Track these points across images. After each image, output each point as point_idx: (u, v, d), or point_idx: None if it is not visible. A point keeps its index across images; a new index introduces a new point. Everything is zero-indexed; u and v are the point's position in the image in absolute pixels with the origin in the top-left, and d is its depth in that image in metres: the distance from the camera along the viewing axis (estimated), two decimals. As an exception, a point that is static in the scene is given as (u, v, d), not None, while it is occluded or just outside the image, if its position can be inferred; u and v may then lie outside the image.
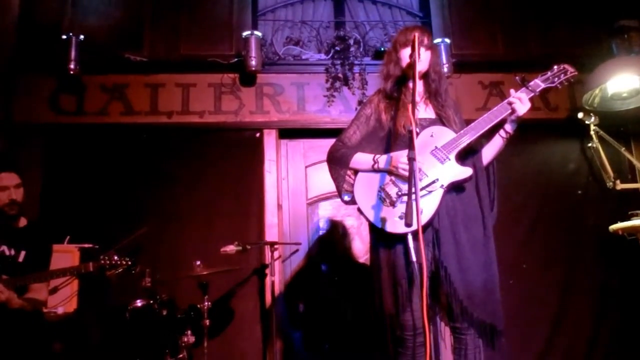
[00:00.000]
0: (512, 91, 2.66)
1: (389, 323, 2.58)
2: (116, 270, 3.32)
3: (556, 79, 2.70)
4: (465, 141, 2.60)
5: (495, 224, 2.72)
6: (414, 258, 2.40)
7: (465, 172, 2.58)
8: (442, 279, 2.51)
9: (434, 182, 2.53)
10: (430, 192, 2.51)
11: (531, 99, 2.65)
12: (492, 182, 2.77)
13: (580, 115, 4.56)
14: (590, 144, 4.64)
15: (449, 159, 2.58)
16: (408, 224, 2.20)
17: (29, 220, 3.51)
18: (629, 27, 4.92)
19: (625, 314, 4.64)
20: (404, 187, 2.54)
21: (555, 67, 2.72)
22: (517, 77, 2.72)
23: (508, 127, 2.69)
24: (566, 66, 2.72)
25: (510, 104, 2.62)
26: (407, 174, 2.49)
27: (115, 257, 3.29)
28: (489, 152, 2.74)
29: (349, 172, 2.76)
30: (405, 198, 2.49)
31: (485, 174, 2.74)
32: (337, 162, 2.79)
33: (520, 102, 2.61)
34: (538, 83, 2.69)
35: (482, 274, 2.53)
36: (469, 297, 2.48)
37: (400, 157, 2.54)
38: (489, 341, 2.52)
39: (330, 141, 4.49)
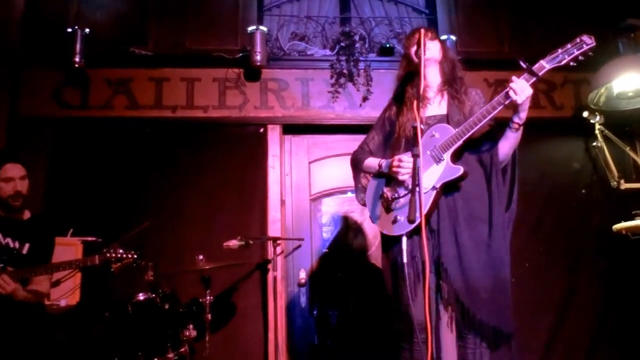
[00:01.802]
0: (513, 78, 2.49)
1: (390, 318, 2.60)
2: (121, 264, 3.33)
3: (567, 55, 2.44)
4: (460, 139, 2.53)
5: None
6: (404, 260, 2.43)
7: (456, 171, 2.54)
8: (443, 281, 2.50)
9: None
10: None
11: (533, 84, 2.47)
12: (511, 178, 2.67)
13: (585, 114, 4.55)
14: (595, 143, 4.64)
15: (443, 159, 2.56)
16: (411, 221, 2.21)
17: (32, 213, 3.52)
18: (635, 26, 4.90)
19: (628, 313, 4.62)
20: (400, 191, 2.60)
21: (569, 43, 2.46)
22: (520, 61, 2.51)
23: (515, 117, 2.55)
24: (583, 37, 2.45)
25: (508, 92, 2.48)
26: (401, 177, 2.56)
27: (120, 251, 3.30)
28: (504, 147, 2.62)
29: (366, 176, 2.86)
30: (401, 201, 2.57)
31: (502, 170, 2.64)
32: (355, 167, 2.91)
33: (519, 89, 2.43)
34: (542, 65, 2.47)
35: (486, 274, 2.48)
36: (471, 298, 2.45)
37: (395, 161, 2.57)
38: (494, 345, 2.47)
39: (334, 137, 4.52)
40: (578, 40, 2.46)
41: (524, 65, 2.51)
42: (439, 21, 5.20)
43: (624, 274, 4.67)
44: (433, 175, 2.54)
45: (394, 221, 2.54)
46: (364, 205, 2.82)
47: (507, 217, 2.62)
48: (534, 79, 2.47)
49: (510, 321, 2.49)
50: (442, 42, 2.79)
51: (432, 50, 2.67)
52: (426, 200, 2.47)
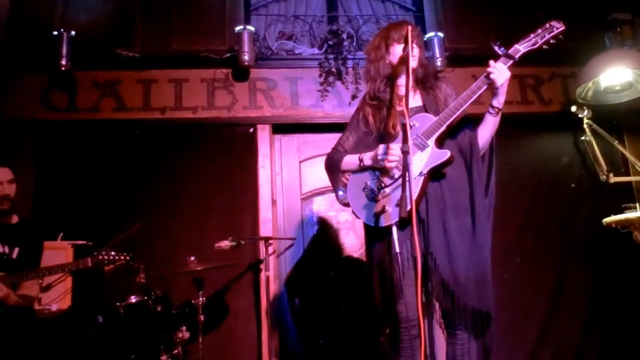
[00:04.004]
0: (491, 62, 2.56)
1: (382, 316, 2.59)
2: (114, 265, 3.32)
3: (539, 39, 2.54)
4: (444, 124, 2.54)
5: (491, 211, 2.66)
6: (397, 249, 2.42)
7: (443, 155, 2.54)
8: (431, 270, 2.49)
9: None
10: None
11: (510, 67, 2.54)
12: (490, 164, 2.68)
13: (573, 108, 4.57)
14: (583, 137, 4.66)
15: (428, 145, 2.56)
16: (403, 216, 2.21)
17: (21, 217, 3.49)
18: (621, 20, 4.94)
19: (618, 307, 4.66)
20: (386, 180, 2.58)
21: (539, 28, 2.56)
22: (495, 46, 2.60)
23: (494, 101, 2.59)
24: (552, 23, 2.55)
25: (488, 75, 2.53)
26: (388, 164, 2.54)
27: (112, 253, 3.29)
28: (483, 132, 2.65)
29: (345, 175, 2.81)
30: (387, 191, 2.56)
31: (482, 156, 2.65)
32: (332, 168, 2.86)
33: (498, 71, 2.51)
34: (517, 48, 2.56)
35: (471, 262, 2.49)
36: (458, 285, 2.45)
37: (381, 149, 2.57)
38: (480, 329, 2.48)
39: (324, 136, 4.50)
40: (548, 25, 2.56)
41: (499, 51, 2.59)
42: (426, 18, 5.22)
43: (614, 267, 4.71)
44: (419, 162, 2.53)
45: (382, 211, 2.52)
46: (346, 205, 2.77)
47: (487, 204, 2.62)
48: (511, 61, 2.55)
49: (491, 302, 2.50)
50: (422, 49, 2.79)
51: (415, 58, 2.67)
52: (415, 187, 2.45)
